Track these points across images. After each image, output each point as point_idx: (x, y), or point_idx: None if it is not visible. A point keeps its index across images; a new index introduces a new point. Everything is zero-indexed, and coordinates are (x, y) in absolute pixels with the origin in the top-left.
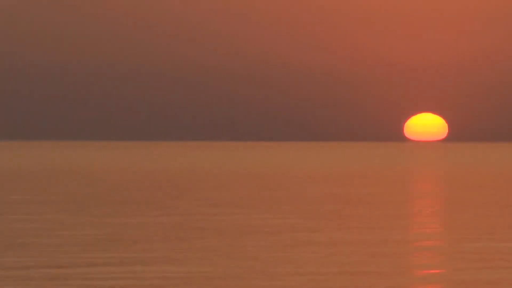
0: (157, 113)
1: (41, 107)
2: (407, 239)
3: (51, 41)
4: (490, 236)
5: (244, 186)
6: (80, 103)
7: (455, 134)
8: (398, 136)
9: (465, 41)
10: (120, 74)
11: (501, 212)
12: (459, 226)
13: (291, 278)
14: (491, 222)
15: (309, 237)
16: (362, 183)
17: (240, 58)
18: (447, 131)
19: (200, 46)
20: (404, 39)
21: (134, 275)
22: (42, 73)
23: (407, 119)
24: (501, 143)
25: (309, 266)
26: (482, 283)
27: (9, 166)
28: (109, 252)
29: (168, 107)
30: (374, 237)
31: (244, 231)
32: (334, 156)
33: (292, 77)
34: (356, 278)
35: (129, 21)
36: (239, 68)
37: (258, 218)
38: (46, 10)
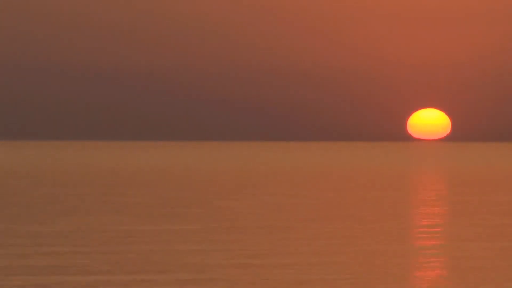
0: (157, 113)
1: (41, 107)
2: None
3: (51, 40)
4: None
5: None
6: (80, 103)
7: (459, 130)
8: (401, 132)
9: (470, 37)
10: (120, 74)
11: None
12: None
13: None
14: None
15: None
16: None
17: (242, 58)
18: (450, 127)
19: (200, 46)
20: (407, 35)
21: None
22: (41, 72)
23: (411, 114)
24: (506, 142)
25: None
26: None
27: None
28: None
29: (168, 107)
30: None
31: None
32: (342, 156)
33: (292, 76)
34: None
35: (130, 20)
36: (241, 68)
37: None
38: (45, 9)
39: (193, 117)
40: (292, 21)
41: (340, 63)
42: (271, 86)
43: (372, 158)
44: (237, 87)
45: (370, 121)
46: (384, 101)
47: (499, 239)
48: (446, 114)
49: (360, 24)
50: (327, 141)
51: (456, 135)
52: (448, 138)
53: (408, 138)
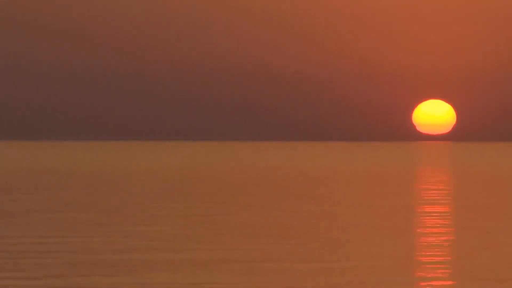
0: (158, 113)
1: (41, 107)
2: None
3: (51, 40)
4: None
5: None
6: (80, 103)
7: (464, 123)
8: (406, 125)
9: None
10: (121, 74)
11: None
12: None
13: None
14: None
15: None
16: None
17: (244, 58)
18: (455, 118)
19: (200, 47)
20: (411, 35)
21: None
22: (41, 72)
23: (415, 107)
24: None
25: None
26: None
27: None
28: None
29: (170, 107)
30: None
31: None
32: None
33: (294, 76)
34: None
35: (131, 20)
36: (242, 68)
37: None
38: (45, 9)
39: (193, 118)
40: (293, 21)
41: (339, 62)
42: (272, 86)
43: (380, 159)
44: (242, 87)
45: (372, 119)
46: (384, 100)
47: None
48: (451, 105)
49: (360, 23)
50: (327, 141)
51: (462, 128)
52: (454, 131)
53: (416, 134)
